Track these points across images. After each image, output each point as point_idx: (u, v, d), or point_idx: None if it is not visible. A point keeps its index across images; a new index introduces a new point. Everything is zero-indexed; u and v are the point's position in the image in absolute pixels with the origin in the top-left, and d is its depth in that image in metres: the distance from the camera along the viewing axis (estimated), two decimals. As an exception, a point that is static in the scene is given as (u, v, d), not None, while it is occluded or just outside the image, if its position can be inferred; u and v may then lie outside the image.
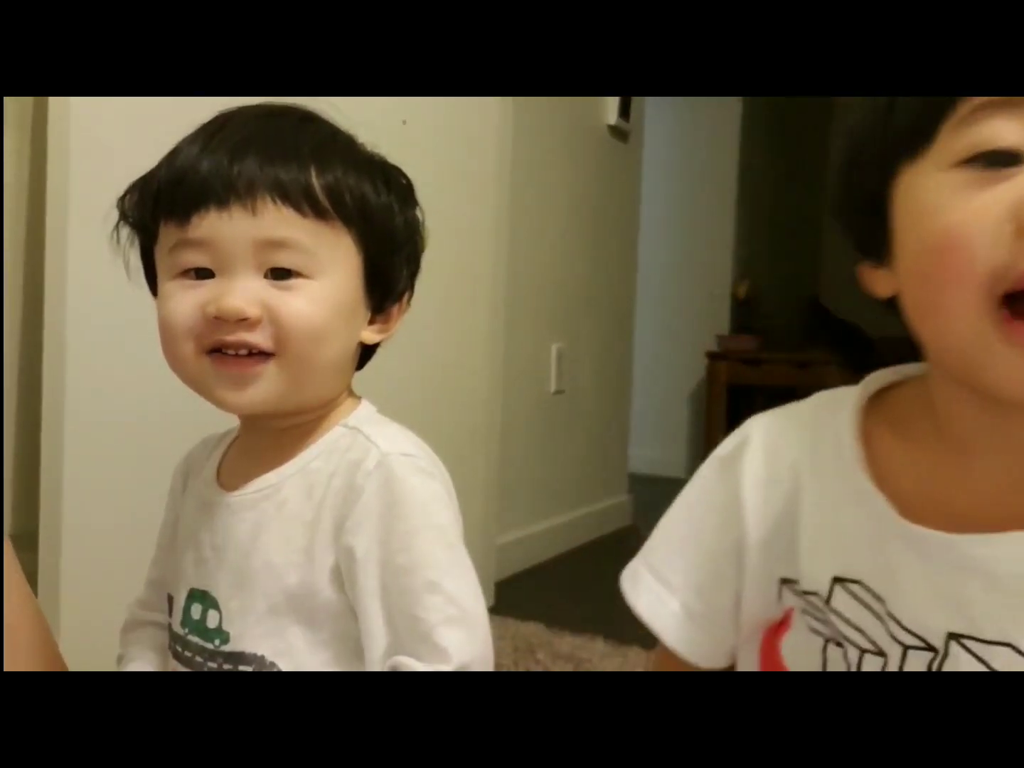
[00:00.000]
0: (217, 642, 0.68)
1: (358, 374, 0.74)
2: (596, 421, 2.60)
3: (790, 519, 0.54)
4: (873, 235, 0.49)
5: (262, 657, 0.67)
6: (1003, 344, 0.42)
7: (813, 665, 0.54)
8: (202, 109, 0.69)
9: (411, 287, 0.73)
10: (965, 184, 0.44)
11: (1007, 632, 0.46)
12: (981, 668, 0.47)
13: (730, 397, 3.25)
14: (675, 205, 3.47)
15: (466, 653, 0.63)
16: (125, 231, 0.71)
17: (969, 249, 0.42)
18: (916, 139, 0.46)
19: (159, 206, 0.67)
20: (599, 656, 1.65)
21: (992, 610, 0.47)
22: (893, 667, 0.50)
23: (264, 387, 0.65)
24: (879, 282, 0.50)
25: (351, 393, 0.73)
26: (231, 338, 0.64)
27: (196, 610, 0.70)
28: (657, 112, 2.99)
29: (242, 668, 0.67)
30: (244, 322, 0.64)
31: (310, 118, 0.70)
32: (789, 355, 3.10)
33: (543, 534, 2.30)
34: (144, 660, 0.76)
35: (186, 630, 0.70)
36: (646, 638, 1.96)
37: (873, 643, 0.51)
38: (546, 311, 2.30)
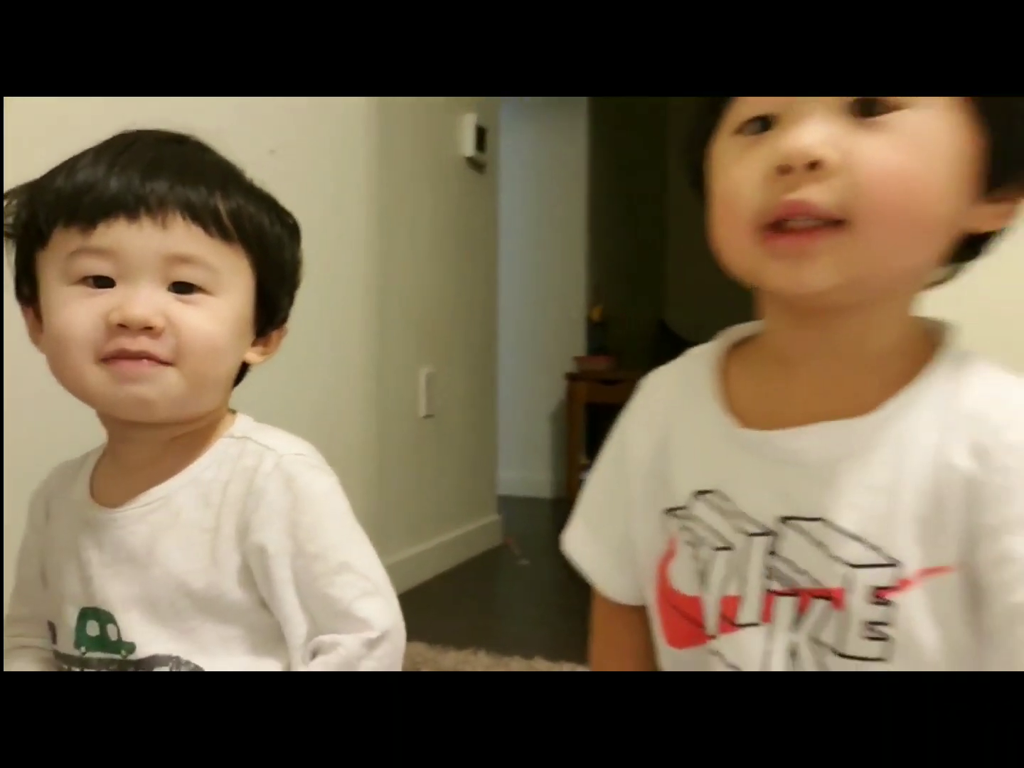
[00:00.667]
0: (123, 652, 0.69)
1: (234, 400, 0.77)
2: (465, 444, 2.66)
3: (665, 452, 0.63)
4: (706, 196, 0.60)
5: (177, 657, 0.68)
6: (769, 257, 0.53)
7: (691, 577, 0.61)
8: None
9: (287, 316, 0.78)
10: (738, 148, 0.55)
11: (819, 509, 0.55)
12: (804, 541, 0.56)
13: (589, 416, 3.38)
14: (530, 233, 3.59)
15: (387, 620, 0.69)
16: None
17: (739, 198, 0.54)
18: (713, 115, 0.58)
19: (57, 212, 0.66)
20: (482, 669, 1.70)
21: (807, 492, 0.56)
22: (738, 556, 0.58)
23: (163, 392, 0.67)
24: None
25: (228, 408, 0.77)
26: (133, 347, 0.65)
27: (92, 627, 0.70)
28: (511, 143, 3.10)
29: (158, 670, 0.68)
30: (148, 331, 0.65)
31: (205, 148, 0.74)
32: (642, 373, 3.21)
33: (419, 556, 2.33)
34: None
35: (82, 649, 0.70)
36: (526, 648, 2.06)
37: (723, 539, 0.59)
38: (414, 337, 2.35)
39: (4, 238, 0.71)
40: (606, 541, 0.68)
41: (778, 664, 0.57)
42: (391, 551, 2.21)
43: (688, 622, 0.62)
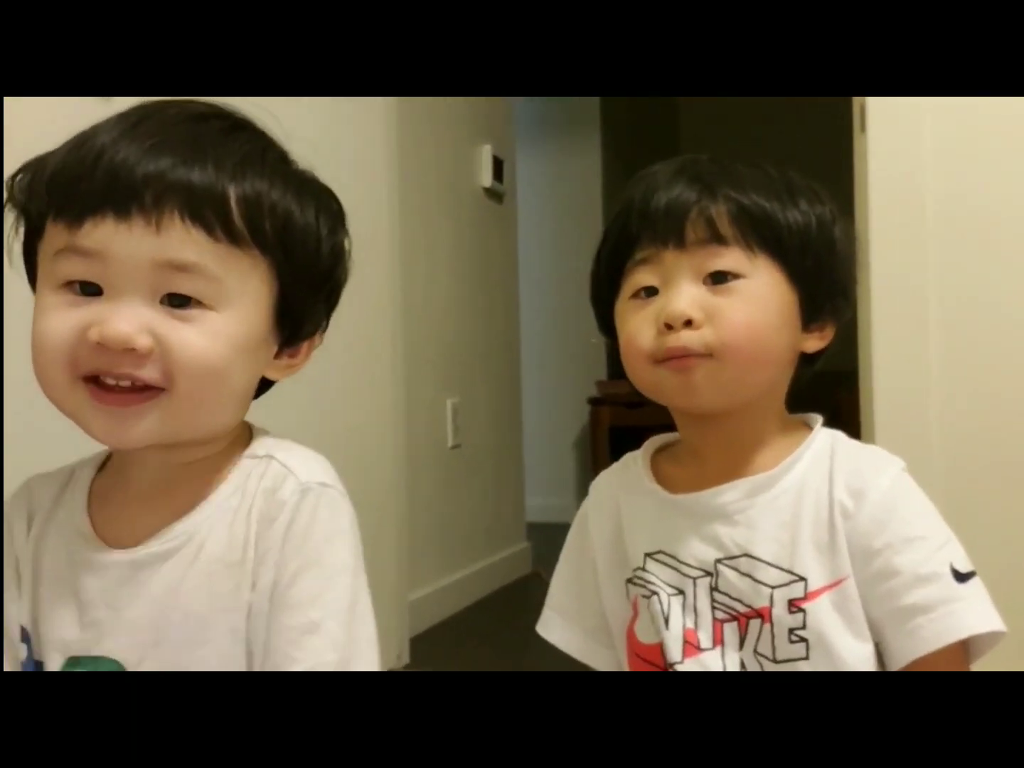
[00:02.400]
0: None
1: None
2: (493, 472, 2.66)
3: (618, 532, 0.79)
4: (614, 339, 0.77)
5: None
6: (663, 374, 0.72)
7: (649, 628, 0.75)
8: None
9: (327, 322, 0.68)
10: (632, 308, 0.73)
11: (743, 546, 0.72)
12: (735, 575, 0.71)
13: (613, 439, 3.38)
14: (548, 260, 3.61)
15: None
16: (12, 215, 0.62)
17: (639, 342, 0.73)
18: (612, 285, 0.75)
19: (49, 200, 0.58)
20: (520, 698, 1.69)
21: (732, 536, 0.72)
22: (689, 597, 0.73)
23: (148, 425, 0.59)
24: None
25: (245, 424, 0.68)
26: (115, 371, 0.57)
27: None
28: (527, 173, 3.13)
29: None
30: (131, 353, 0.56)
31: (241, 126, 0.64)
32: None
33: (451, 587, 2.34)
34: None
35: None
36: (563, 676, 1.97)
37: (674, 587, 0.74)
38: (440, 367, 2.36)
39: (5, 220, 0.62)
40: (582, 625, 0.82)
41: None
42: (423, 582, 2.21)
43: (651, 667, 0.76)
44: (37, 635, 0.64)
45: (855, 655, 0.69)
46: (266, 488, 0.62)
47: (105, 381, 0.58)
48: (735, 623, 0.72)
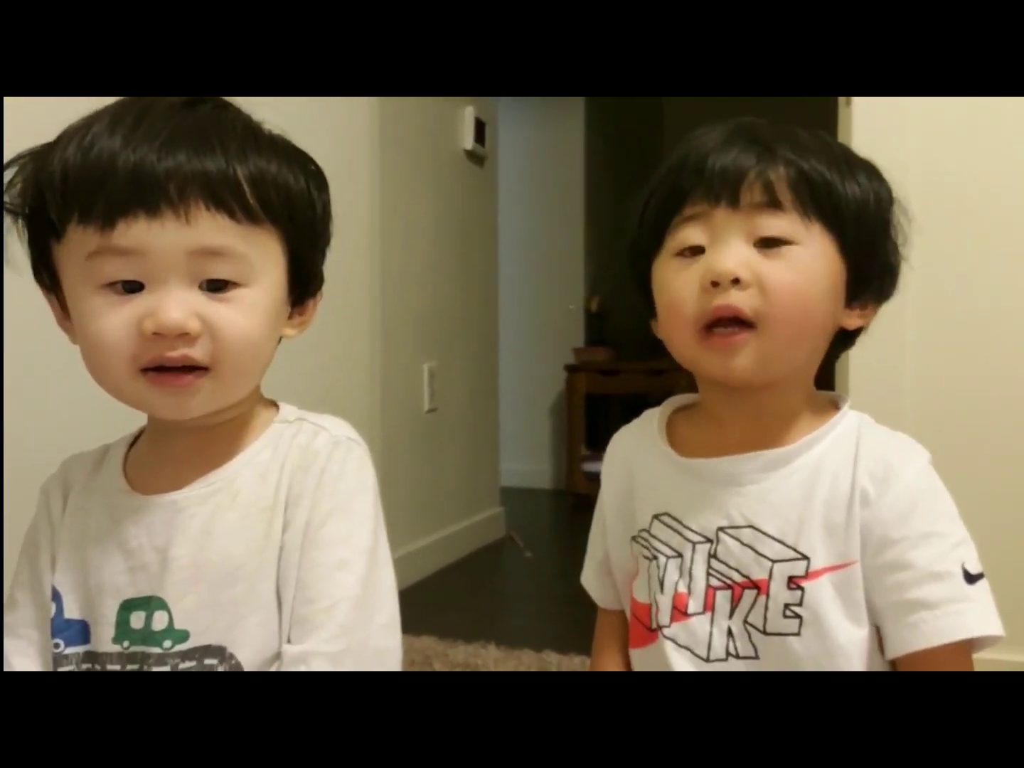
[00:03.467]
0: (168, 643, 0.66)
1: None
2: (468, 437, 2.67)
3: (629, 492, 0.80)
4: (649, 302, 0.76)
5: (224, 649, 0.66)
6: (704, 350, 0.71)
7: (646, 588, 0.77)
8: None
9: (322, 279, 0.74)
10: (676, 268, 0.71)
11: (749, 518, 0.72)
12: (737, 545, 0.72)
13: (589, 407, 3.39)
14: (529, 226, 3.59)
15: (354, 637, 0.66)
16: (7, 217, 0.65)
17: (682, 306, 0.70)
18: (655, 241, 0.74)
19: (69, 202, 0.61)
20: (493, 661, 1.71)
21: (740, 506, 0.72)
22: (686, 561, 0.74)
23: (201, 398, 0.65)
24: (657, 329, 0.77)
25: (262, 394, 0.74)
26: (173, 354, 0.62)
27: (138, 619, 0.67)
28: (509, 136, 3.10)
29: (207, 661, 0.66)
30: (184, 336, 0.62)
31: (225, 106, 0.68)
32: (642, 364, 3.26)
33: (425, 550, 2.35)
34: None
35: (125, 643, 0.67)
36: (535, 641, 2.08)
37: (674, 549, 0.75)
38: (416, 332, 2.35)
39: (4, 215, 0.65)
40: (594, 565, 0.86)
41: (718, 643, 0.72)
42: (396, 545, 2.20)
43: (642, 626, 0.77)
44: (87, 589, 0.69)
45: (849, 638, 0.69)
46: (300, 444, 0.70)
47: (163, 366, 0.63)
48: (729, 591, 0.72)
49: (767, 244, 0.69)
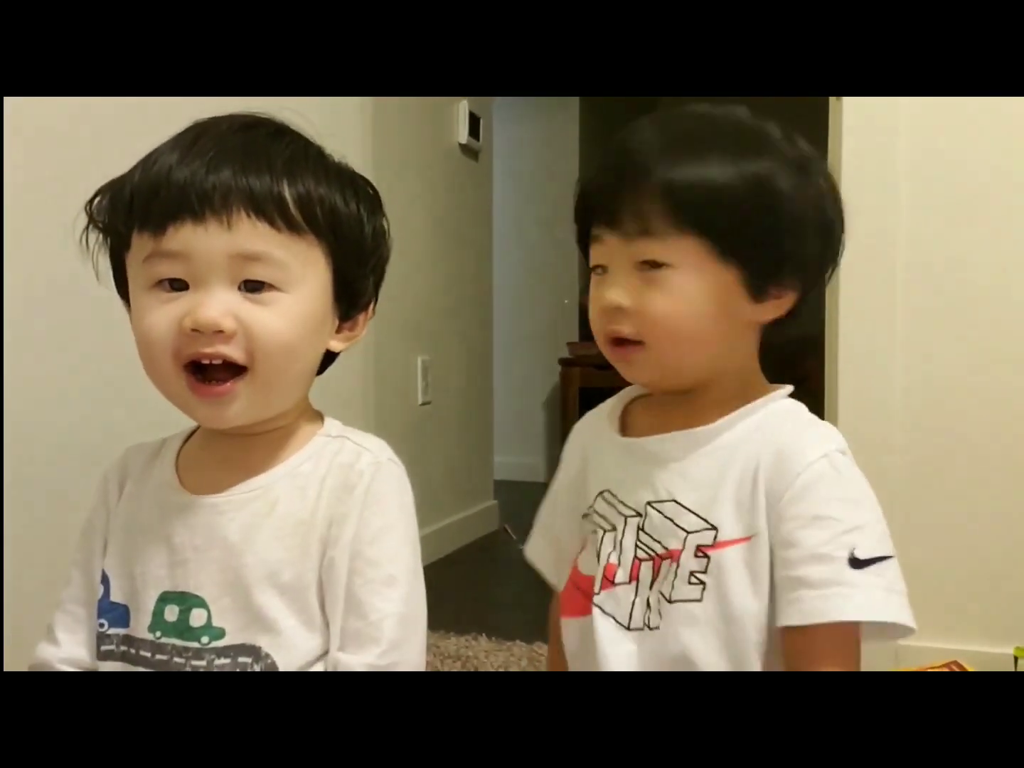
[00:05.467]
0: (206, 639, 0.69)
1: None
2: (462, 430, 2.67)
3: (583, 475, 0.83)
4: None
5: (259, 649, 0.69)
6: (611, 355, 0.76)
7: (590, 560, 0.79)
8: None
9: (376, 294, 0.77)
10: (591, 278, 0.76)
11: (672, 492, 0.75)
12: (660, 518, 0.75)
13: (583, 401, 3.40)
14: (523, 220, 3.60)
15: (402, 652, 0.69)
16: (94, 235, 0.71)
17: (593, 321, 0.76)
18: (584, 250, 0.77)
19: (132, 214, 0.67)
20: (484, 653, 1.72)
21: (665, 482, 0.76)
22: (618, 534, 0.77)
23: (240, 405, 0.68)
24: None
25: (310, 404, 0.77)
26: (208, 350, 0.66)
27: (171, 612, 0.70)
28: (503, 130, 3.10)
29: (241, 660, 0.69)
30: (220, 334, 0.65)
31: (282, 131, 0.72)
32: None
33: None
34: None
35: (157, 633, 0.71)
36: (527, 633, 2.07)
37: (610, 524, 0.78)
38: (410, 325, 2.36)
39: (89, 235, 0.71)
40: (546, 544, 0.89)
41: (638, 613, 0.75)
42: (390, 538, 2.22)
43: (582, 595, 0.79)
44: (131, 576, 0.72)
45: (745, 608, 0.71)
46: (343, 462, 0.72)
47: (201, 363, 0.66)
48: (651, 563, 0.75)
49: (648, 268, 0.72)
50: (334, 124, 1.93)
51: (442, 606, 2.05)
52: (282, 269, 0.67)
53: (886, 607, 0.69)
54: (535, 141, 3.62)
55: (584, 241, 0.77)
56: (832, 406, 1.63)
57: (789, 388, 0.78)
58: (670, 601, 0.73)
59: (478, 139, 2.67)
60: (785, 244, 0.71)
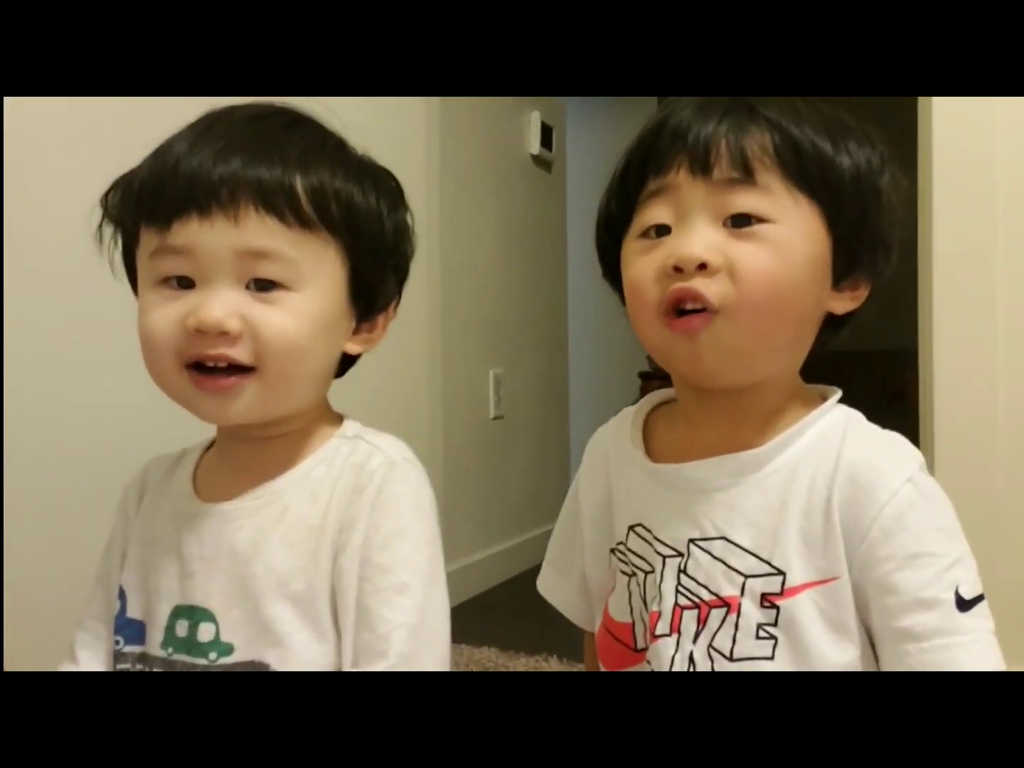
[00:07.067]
0: (213, 655, 0.66)
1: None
2: (536, 445, 2.63)
3: (608, 501, 0.73)
4: (620, 287, 0.69)
5: (267, 667, 0.65)
6: (670, 341, 0.64)
7: (624, 605, 0.70)
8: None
9: (399, 295, 0.73)
10: (640, 250, 0.65)
11: (721, 528, 0.65)
12: (707, 558, 0.65)
13: (663, 415, 3.31)
14: (599, 230, 3.54)
15: (413, 662, 0.64)
16: (109, 230, 0.69)
17: (635, 290, 0.65)
18: (623, 219, 0.67)
19: (140, 209, 0.65)
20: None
21: (711, 515, 0.65)
22: (656, 577, 0.67)
23: (245, 401, 0.65)
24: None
25: (330, 406, 0.73)
26: (212, 352, 0.63)
27: (182, 627, 0.67)
28: (577, 141, 3.06)
29: None
30: (224, 336, 0.62)
31: (299, 121, 0.69)
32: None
33: (490, 560, 2.31)
34: None
35: (169, 650, 0.68)
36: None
37: (648, 563, 0.68)
38: (482, 337, 2.33)
39: (102, 229, 0.69)
40: (569, 581, 0.78)
41: (679, 669, 0.65)
42: (458, 556, 2.19)
43: (620, 646, 0.70)
44: (146, 591, 0.70)
45: (833, 661, 0.62)
46: (355, 463, 0.68)
47: (205, 364, 0.63)
48: (695, 611, 0.65)
49: (739, 223, 0.62)
50: (400, 133, 1.93)
51: (511, 626, 2.02)
52: (292, 267, 0.64)
53: (993, 656, 0.61)
54: (611, 150, 3.56)
55: (631, 201, 0.67)
56: (927, 421, 1.53)
57: (838, 392, 0.68)
58: (731, 659, 0.63)
59: (551, 149, 2.63)
60: (877, 234, 0.66)
